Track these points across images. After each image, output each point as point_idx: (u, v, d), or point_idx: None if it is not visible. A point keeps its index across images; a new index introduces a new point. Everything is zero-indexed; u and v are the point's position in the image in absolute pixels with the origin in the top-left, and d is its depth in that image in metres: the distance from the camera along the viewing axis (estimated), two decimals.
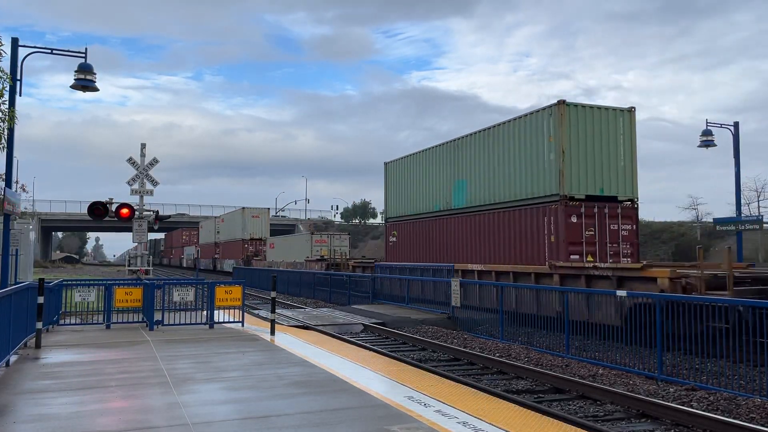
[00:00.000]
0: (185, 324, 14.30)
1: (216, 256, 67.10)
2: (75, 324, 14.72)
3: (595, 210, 18.34)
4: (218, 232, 66.40)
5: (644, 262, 16.00)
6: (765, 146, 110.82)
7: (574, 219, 18.03)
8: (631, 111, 19.27)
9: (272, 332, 13.29)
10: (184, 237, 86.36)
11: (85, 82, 17.19)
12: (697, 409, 8.96)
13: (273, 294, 13.97)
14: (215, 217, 69.36)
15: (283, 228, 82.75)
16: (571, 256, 17.82)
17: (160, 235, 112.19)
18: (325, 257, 40.57)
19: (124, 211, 18.23)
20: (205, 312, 14.70)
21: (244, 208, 58.70)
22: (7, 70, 13.64)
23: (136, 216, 18.80)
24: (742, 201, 35.78)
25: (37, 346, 11.36)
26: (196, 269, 42.97)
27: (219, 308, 14.56)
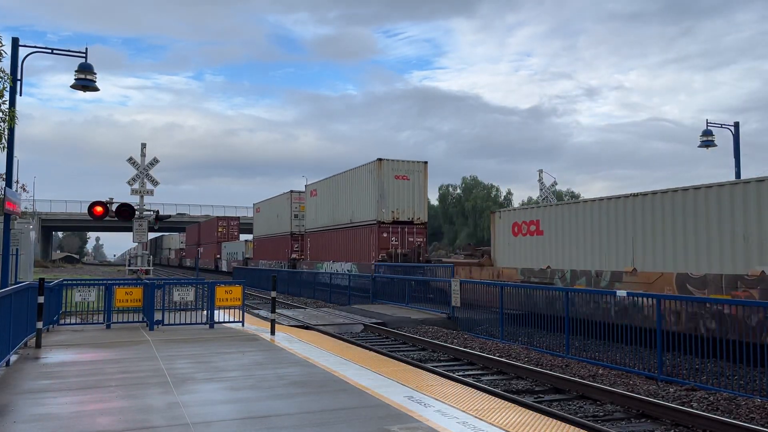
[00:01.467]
0: (185, 324, 14.31)
1: (296, 255, 41.89)
2: (75, 324, 14.73)
3: None
4: (296, 216, 42.56)
5: None
6: (766, 146, 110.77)
7: None
8: None
9: (272, 332, 13.30)
10: (220, 229, 63.93)
11: (85, 81, 17.20)
12: (697, 409, 8.97)
13: (273, 294, 13.98)
14: (292, 192, 43.47)
15: None
16: None
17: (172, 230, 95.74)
18: None
19: (125, 210, 18.24)
20: (205, 312, 14.71)
21: (381, 159, 30.24)
22: (8, 70, 13.64)
23: (136, 216, 18.81)
24: None
25: (38, 345, 11.37)
26: (196, 270, 39.64)
27: (219, 308, 14.57)
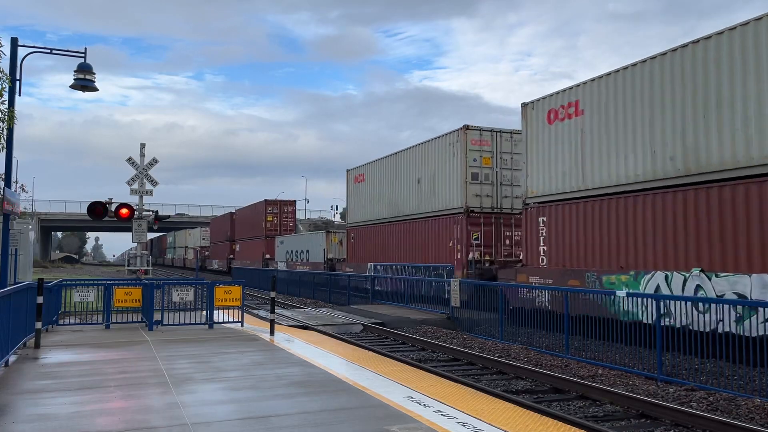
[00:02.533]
0: (185, 324, 14.30)
1: (489, 254, 22.04)
2: (74, 324, 14.72)
3: None
4: (474, 178, 22.50)
5: None
6: None
7: None
8: None
9: (272, 332, 13.29)
10: (269, 218, 47.01)
11: (84, 82, 17.17)
12: (696, 409, 8.96)
13: (272, 294, 13.97)
14: (467, 129, 22.77)
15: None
16: None
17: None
18: None
19: (124, 211, 18.22)
20: (204, 312, 14.70)
21: None
22: (7, 70, 13.64)
23: (135, 216, 18.79)
24: None
25: (37, 346, 11.35)
26: (196, 270, 38.20)
27: (218, 308, 14.56)
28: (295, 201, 49.95)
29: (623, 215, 15.39)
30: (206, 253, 68.19)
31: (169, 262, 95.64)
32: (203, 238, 70.49)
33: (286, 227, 47.53)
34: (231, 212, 58.42)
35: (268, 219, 47.26)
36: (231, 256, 57.14)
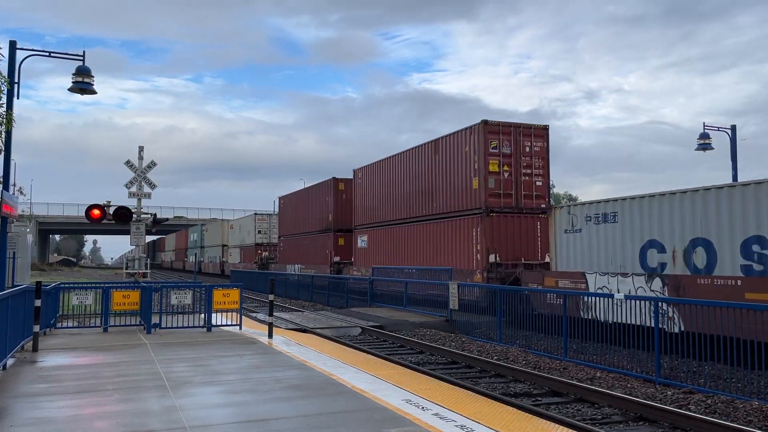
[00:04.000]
0: (183, 327, 14.28)
1: None
2: (72, 327, 14.69)
3: None
4: None
5: None
6: (766, 149, 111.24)
7: None
8: None
9: (270, 335, 13.28)
10: (494, 165, 20.41)
11: (82, 84, 17.19)
12: (694, 412, 8.96)
13: (271, 297, 13.96)
14: None
15: None
16: None
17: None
18: None
19: (122, 213, 18.21)
20: (202, 315, 14.68)
21: None
22: (5, 73, 13.63)
23: (133, 219, 18.78)
24: None
25: (34, 349, 11.33)
26: (194, 272, 36.60)
27: (217, 311, 14.55)
28: (547, 126, 22.64)
29: None
30: (265, 254, 45.76)
31: (191, 266, 68.72)
32: (259, 231, 46.95)
33: (529, 189, 21.88)
34: (333, 178, 34.28)
35: (492, 168, 21.34)
36: (338, 259, 32.49)
